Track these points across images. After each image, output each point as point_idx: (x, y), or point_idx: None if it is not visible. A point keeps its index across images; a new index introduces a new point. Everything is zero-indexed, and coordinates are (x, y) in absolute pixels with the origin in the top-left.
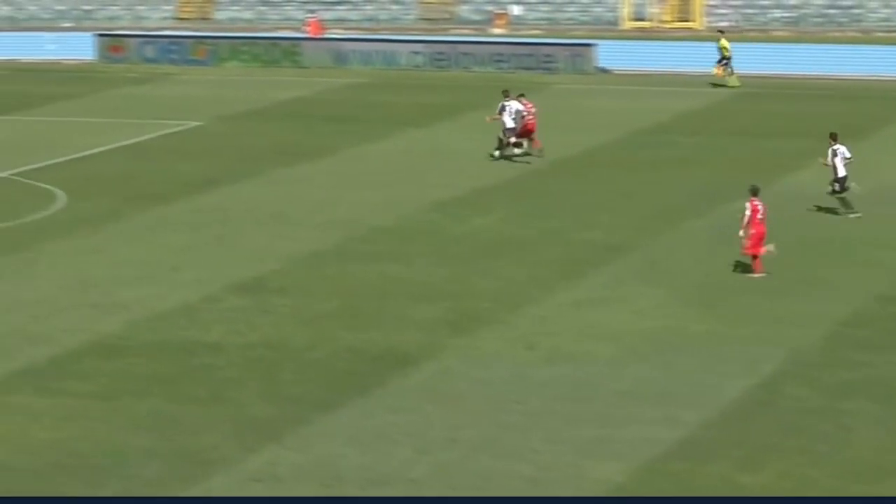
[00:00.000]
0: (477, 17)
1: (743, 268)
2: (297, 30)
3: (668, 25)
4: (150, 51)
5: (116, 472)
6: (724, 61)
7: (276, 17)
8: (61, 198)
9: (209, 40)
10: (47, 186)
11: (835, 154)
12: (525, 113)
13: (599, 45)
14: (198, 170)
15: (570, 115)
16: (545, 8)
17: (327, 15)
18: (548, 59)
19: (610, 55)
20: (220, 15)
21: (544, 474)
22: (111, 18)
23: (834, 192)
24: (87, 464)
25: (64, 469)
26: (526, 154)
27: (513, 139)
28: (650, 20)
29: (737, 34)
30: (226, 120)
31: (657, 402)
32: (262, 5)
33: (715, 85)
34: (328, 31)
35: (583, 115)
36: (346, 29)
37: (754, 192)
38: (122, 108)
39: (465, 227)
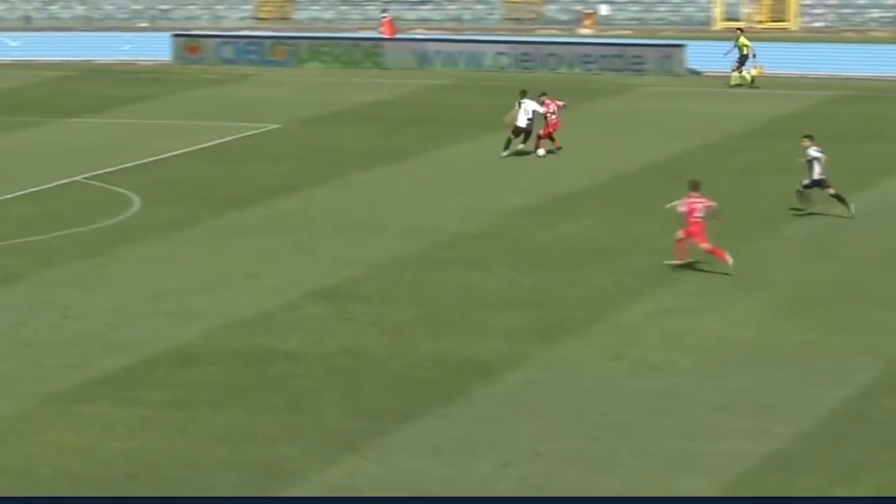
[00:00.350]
0: (564, 17)
1: (839, 277)
2: (378, 30)
3: (761, 26)
4: (227, 51)
5: (192, 483)
6: (751, 59)
7: (357, 16)
8: (136, 202)
9: (289, 41)
10: (121, 190)
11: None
12: (548, 113)
13: (690, 46)
14: (276, 174)
15: (659, 118)
16: (634, 8)
17: (410, 15)
18: (637, 61)
19: (701, 56)
20: (299, 15)
21: (631, 488)
22: (188, 18)
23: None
24: (162, 475)
25: (138, 480)
26: (524, 153)
27: (511, 135)
28: (743, 20)
29: (833, 35)
30: (305, 122)
31: (748, 414)
32: (343, 5)
33: (743, 86)
34: (411, 31)
35: (672, 118)
36: (429, 29)
37: (693, 188)
38: (199, 110)
39: (551, 234)
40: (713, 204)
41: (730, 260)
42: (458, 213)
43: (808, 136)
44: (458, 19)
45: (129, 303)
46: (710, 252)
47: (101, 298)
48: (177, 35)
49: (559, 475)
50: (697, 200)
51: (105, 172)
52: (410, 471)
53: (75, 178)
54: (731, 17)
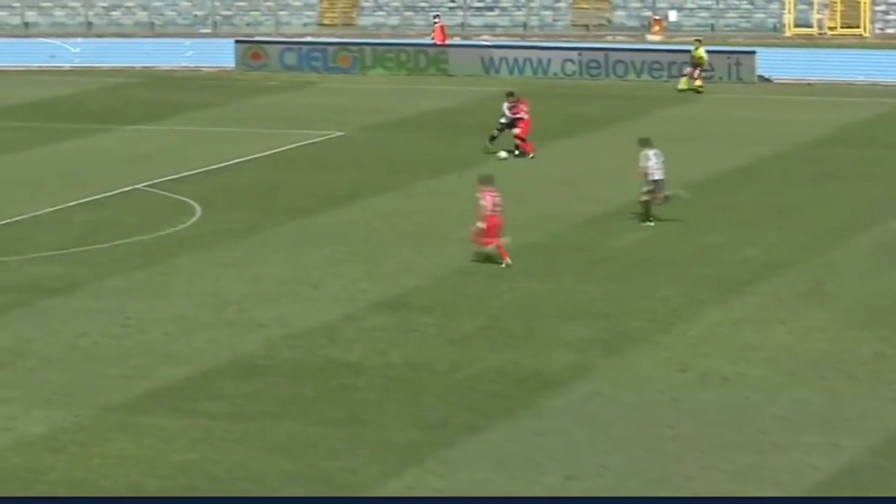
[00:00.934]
0: (632, 24)
1: None
2: (430, 37)
3: (833, 32)
4: (291, 58)
5: (252, 496)
6: (703, 71)
7: (422, 22)
8: (197, 210)
9: (353, 47)
10: (183, 199)
11: (647, 159)
12: (516, 116)
13: (761, 53)
14: (340, 182)
15: (728, 126)
16: (704, 14)
17: (476, 21)
18: (706, 68)
19: (772, 63)
20: (364, 21)
21: (699, 502)
22: (251, 24)
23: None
24: (222, 487)
25: (198, 492)
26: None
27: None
28: (815, 27)
29: None
30: (369, 130)
31: (818, 427)
32: (408, 10)
33: (691, 90)
34: (477, 37)
35: (742, 126)
36: (495, 35)
37: (484, 182)
38: (262, 117)
39: (618, 244)
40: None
41: (508, 260)
42: (523, 223)
43: (643, 140)
44: (524, 25)
45: (190, 313)
46: (497, 248)
47: (162, 308)
48: (239, 41)
49: (624, 488)
50: (493, 194)
51: (166, 180)
52: (474, 483)
53: (136, 186)
54: (802, 24)
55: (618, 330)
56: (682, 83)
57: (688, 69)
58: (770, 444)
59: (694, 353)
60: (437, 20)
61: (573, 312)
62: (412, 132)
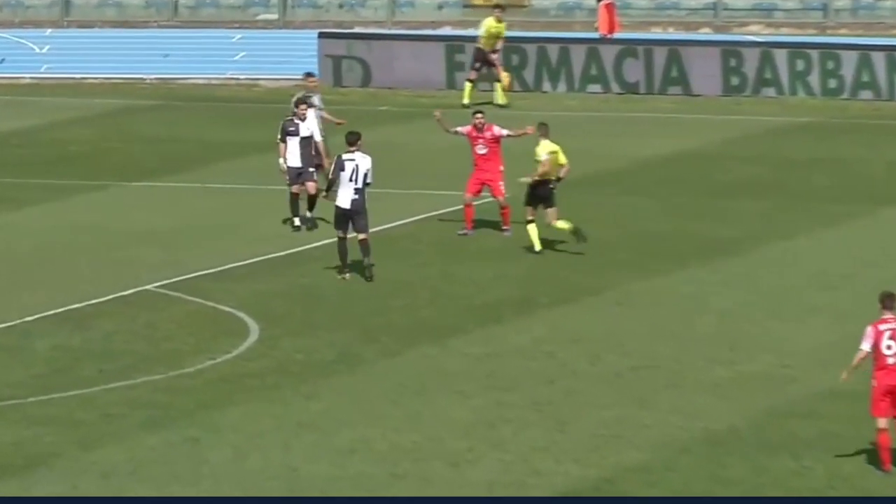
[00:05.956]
0: None
1: None
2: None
3: None
4: (414, 63)
5: None
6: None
7: (639, 5)
8: (251, 329)
9: (525, 44)
10: (226, 309)
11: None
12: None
13: None
14: (496, 281)
15: None
16: None
17: (738, 1)
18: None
19: None
20: (539, 2)
21: None
22: (345, 6)
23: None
24: None
25: None
26: None
27: None
28: None
29: None
30: None
31: None
32: None
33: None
34: (743, 29)
35: None
36: (771, 26)
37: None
38: None
39: None
40: None
41: None
42: (820, 353)
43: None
44: (824, 9)
45: None
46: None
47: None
48: (326, 34)
49: None
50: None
51: (196, 276)
52: None
53: (146, 287)
54: None
55: None
56: (466, 94)
57: (473, 71)
58: None
59: None
60: None
61: None
62: (624, 194)
